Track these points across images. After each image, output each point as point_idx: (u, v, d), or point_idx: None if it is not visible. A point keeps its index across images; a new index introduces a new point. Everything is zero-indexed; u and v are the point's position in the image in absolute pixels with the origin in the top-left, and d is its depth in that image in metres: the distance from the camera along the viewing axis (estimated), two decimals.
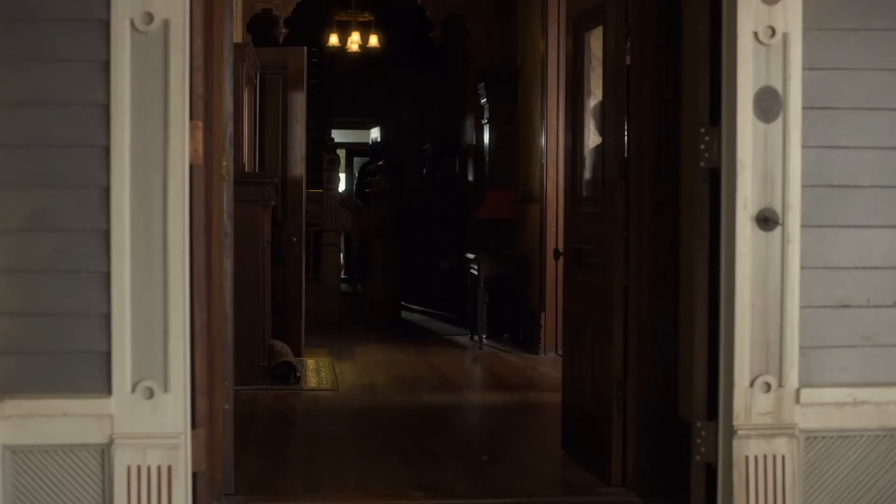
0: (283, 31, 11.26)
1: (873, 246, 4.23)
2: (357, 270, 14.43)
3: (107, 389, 4.02)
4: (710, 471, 4.33)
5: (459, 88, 14.45)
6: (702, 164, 4.35)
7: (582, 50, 5.85)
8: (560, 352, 6.30)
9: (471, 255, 10.91)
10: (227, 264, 4.78)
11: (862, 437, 4.27)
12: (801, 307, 4.20)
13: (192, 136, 4.08)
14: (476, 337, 10.49)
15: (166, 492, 4.03)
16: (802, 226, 4.19)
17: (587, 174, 5.82)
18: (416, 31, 14.15)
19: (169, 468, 4.03)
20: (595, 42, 5.69)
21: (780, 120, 4.16)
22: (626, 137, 5.24)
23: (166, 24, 3.99)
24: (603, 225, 5.31)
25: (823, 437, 4.26)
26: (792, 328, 4.18)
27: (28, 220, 4.02)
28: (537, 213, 9.96)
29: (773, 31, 4.14)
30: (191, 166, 4.08)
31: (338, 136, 18.12)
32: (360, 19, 14.54)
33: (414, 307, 14.16)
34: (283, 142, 9.86)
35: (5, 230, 4.02)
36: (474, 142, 12.87)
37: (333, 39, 14.57)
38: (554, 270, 9.22)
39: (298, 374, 8.16)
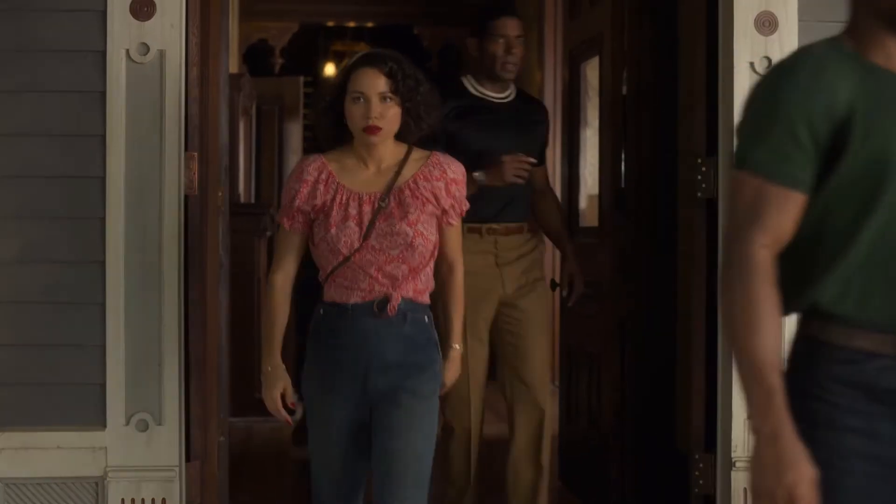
0: (279, 61, 11.27)
1: None
2: None
3: (101, 422, 4.00)
4: (709, 503, 4.30)
5: None
6: (699, 194, 4.34)
7: (578, 80, 5.86)
8: (557, 384, 6.28)
9: None
10: (223, 295, 4.75)
11: None
12: None
13: (188, 167, 4.07)
14: None
15: None
16: None
17: (583, 204, 5.82)
18: (412, 61, 14.16)
19: (163, 501, 4.01)
20: (591, 72, 5.70)
21: None
22: (622, 167, 5.23)
23: (162, 55, 3.99)
24: (599, 255, 5.30)
25: None
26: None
27: (22, 252, 4.00)
28: None
29: (770, 62, 4.14)
30: (186, 197, 4.07)
31: None
32: (357, 49, 14.56)
33: None
34: (279, 172, 9.84)
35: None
36: None
37: (330, 69, 14.59)
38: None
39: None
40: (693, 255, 4.45)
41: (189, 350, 4.10)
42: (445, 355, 3.53)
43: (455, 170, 3.47)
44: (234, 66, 9.38)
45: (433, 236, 3.43)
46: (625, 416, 5.13)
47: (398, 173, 3.42)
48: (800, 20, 4.15)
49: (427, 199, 3.40)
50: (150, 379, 3.99)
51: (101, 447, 3.99)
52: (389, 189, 3.39)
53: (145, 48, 3.98)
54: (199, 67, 4.21)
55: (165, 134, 3.99)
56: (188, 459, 4.11)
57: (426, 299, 3.47)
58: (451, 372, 3.59)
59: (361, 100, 3.34)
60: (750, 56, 4.14)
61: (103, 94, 3.98)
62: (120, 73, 3.97)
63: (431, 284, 3.49)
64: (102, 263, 3.98)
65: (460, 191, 3.47)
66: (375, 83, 3.34)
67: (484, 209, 4.45)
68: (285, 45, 11.24)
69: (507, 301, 4.65)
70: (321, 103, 3.50)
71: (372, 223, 3.36)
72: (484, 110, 4.63)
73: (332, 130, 3.48)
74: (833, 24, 4.13)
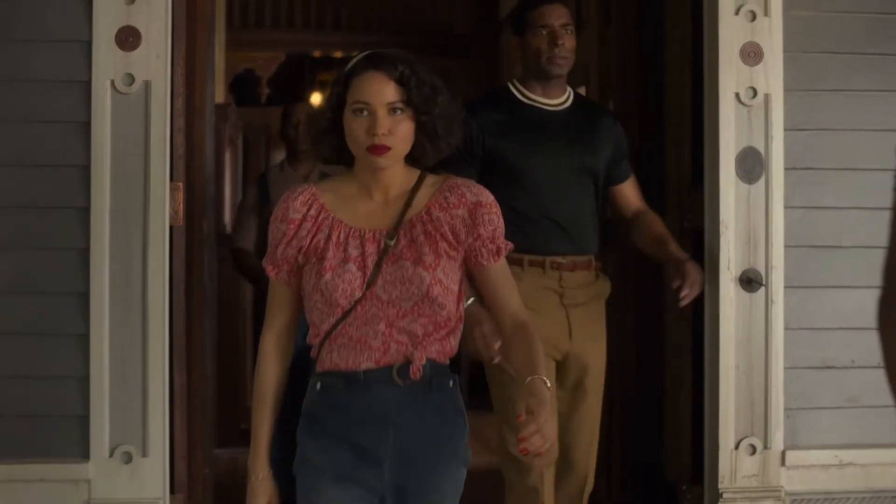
0: (266, 90, 11.28)
1: (857, 306, 4.22)
2: None
3: (85, 454, 3.97)
4: None
5: None
6: (685, 224, 4.34)
7: None
8: None
9: None
10: (208, 326, 4.74)
11: (848, 499, 4.24)
12: (786, 368, 4.18)
13: (173, 198, 4.06)
14: None
15: None
16: (786, 286, 4.17)
17: None
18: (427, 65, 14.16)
19: None
20: None
21: (762, 181, 4.16)
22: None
23: (147, 86, 3.97)
24: None
25: (809, 500, 4.22)
26: (777, 390, 4.16)
27: (6, 283, 3.98)
28: None
29: (755, 92, 4.14)
30: (171, 228, 4.05)
31: None
32: None
33: None
34: None
35: None
36: None
37: (316, 99, 14.60)
38: None
39: None
40: None
41: (174, 381, 4.08)
42: (530, 390, 2.61)
43: (478, 192, 2.73)
44: (220, 95, 9.37)
45: (455, 286, 2.70)
46: (613, 446, 5.11)
47: (408, 204, 2.72)
48: (785, 51, 4.17)
49: (442, 234, 2.69)
50: (135, 410, 3.96)
51: (84, 479, 3.96)
52: (398, 224, 2.69)
53: (131, 79, 3.97)
54: (185, 98, 4.20)
55: (150, 164, 3.98)
56: (173, 492, 4.08)
57: (447, 361, 2.75)
58: (546, 413, 2.56)
59: (365, 112, 2.65)
60: (735, 87, 4.15)
61: (88, 124, 3.96)
62: (105, 104, 3.95)
63: (456, 348, 2.77)
64: (86, 294, 3.96)
65: (491, 217, 2.72)
66: (382, 91, 2.66)
67: (545, 238, 3.87)
68: (272, 74, 11.25)
69: (570, 354, 3.94)
70: (321, 124, 2.77)
71: (377, 266, 2.65)
72: (531, 120, 3.95)
73: (337, 154, 2.78)
74: (818, 54, 4.19)
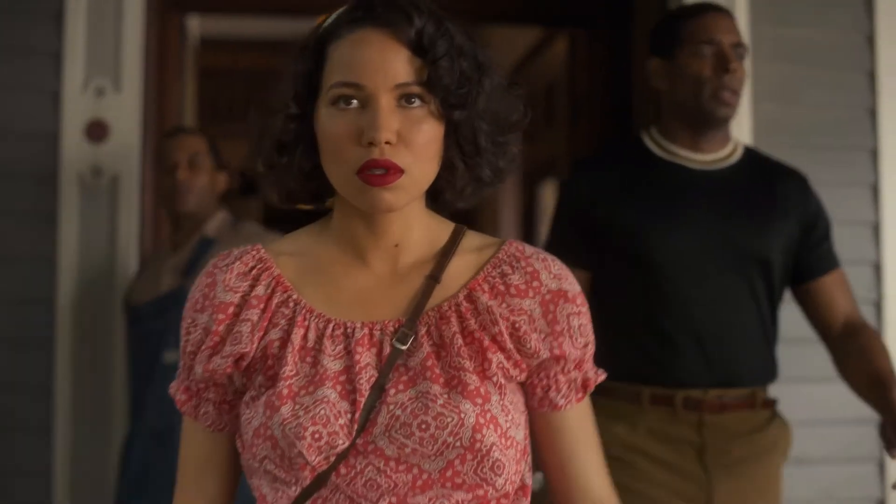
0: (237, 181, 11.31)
1: (828, 400, 4.20)
2: None
3: None
4: None
5: None
6: None
7: (534, 201, 5.88)
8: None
9: None
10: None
11: None
12: None
13: None
14: None
15: None
16: None
17: None
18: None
19: None
20: (548, 193, 5.73)
21: None
22: None
23: (116, 179, 3.96)
24: None
25: None
26: None
27: None
28: None
29: None
30: None
31: None
32: None
33: None
34: None
35: None
36: None
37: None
38: None
39: None
40: None
41: None
42: None
43: (559, 273, 1.57)
44: None
45: (519, 430, 1.52)
46: None
47: (435, 278, 1.56)
48: (755, 140, 4.20)
49: (495, 338, 1.52)
50: (97, 503, 3.92)
51: None
52: (417, 313, 1.52)
53: (98, 172, 3.95)
54: (153, 190, 4.19)
55: (118, 257, 3.95)
56: None
57: None
58: None
59: (354, 102, 1.47)
60: None
61: (55, 217, 3.93)
62: (73, 198, 3.93)
63: None
64: (50, 386, 3.91)
65: (581, 322, 1.56)
66: (387, 63, 1.46)
67: (676, 360, 2.61)
68: (243, 165, 11.27)
69: None
70: (278, 130, 1.60)
71: (378, 391, 1.47)
72: (670, 182, 2.71)
73: (310, 189, 1.60)
74: (785, 147, 4.23)
